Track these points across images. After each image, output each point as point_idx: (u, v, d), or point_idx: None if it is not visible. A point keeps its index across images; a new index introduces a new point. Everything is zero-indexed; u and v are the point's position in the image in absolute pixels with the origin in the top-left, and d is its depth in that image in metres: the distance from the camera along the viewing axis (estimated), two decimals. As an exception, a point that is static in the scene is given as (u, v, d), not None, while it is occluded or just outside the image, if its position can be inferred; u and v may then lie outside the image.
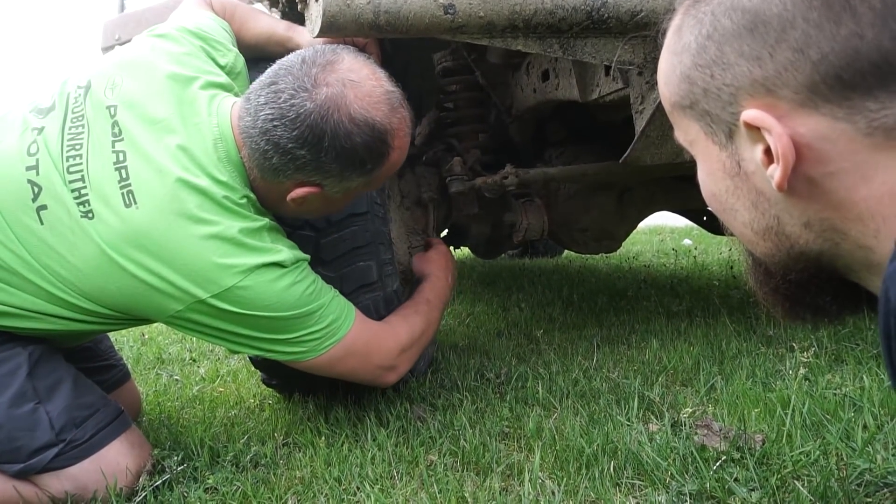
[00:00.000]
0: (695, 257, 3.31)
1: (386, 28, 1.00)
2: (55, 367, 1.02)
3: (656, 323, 1.86)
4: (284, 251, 1.01)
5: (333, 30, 1.00)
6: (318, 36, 1.02)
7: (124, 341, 2.16)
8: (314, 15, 1.02)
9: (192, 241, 0.95)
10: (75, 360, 1.20)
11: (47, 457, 0.95)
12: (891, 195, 0.47)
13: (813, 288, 0.57)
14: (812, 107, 0.48)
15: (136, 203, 0.95)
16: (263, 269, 0.98)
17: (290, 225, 1.15)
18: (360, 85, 0.98)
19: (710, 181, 0.59)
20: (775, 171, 0.50)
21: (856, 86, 0.46)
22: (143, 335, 2.22)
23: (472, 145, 1.69)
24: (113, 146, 0.99)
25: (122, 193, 0.95)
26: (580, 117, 1.80)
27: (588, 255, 3.52)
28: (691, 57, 0.54)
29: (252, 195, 1.03)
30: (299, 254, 1.05)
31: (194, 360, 1.91)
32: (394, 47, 1.69)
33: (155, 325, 1.63)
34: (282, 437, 1.20)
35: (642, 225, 5.08)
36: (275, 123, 0.96)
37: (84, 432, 0.98)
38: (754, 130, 0.50)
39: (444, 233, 1.92)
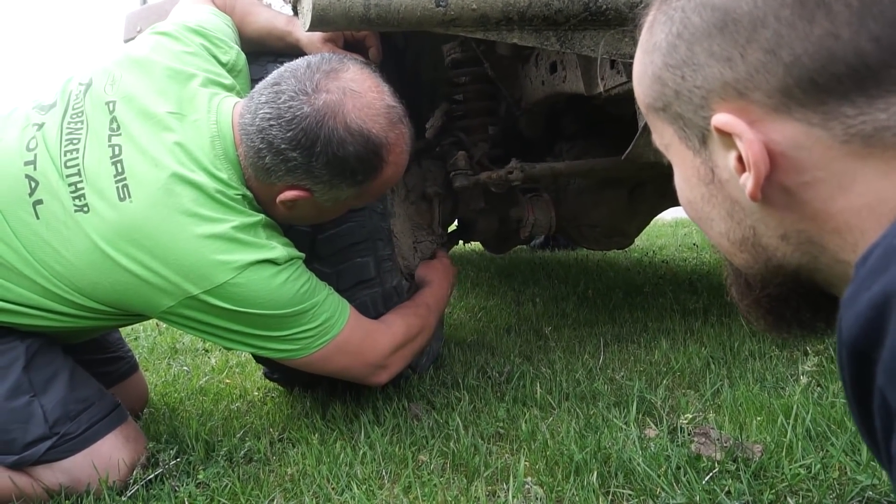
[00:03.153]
0: (718, 252, 3.22)
1: (377, 21, 0.98)
2: (52, 360, 1.03)
3: (670, 321, 1.81)
4: (279, 248, 1.01)
5: (324, 24, 0.98)
6: (309, 30, 1.01)
7: (140, 330, 2.19)
8: (305, 9, 1.00)
9: (184, 236, 0.95)
10: (82, 351, 1.22)
11: (40, 450, 0.97)
12: (869, 207, 0.43)
13: (793, 302, 0.53)
14: (786, 112, 0.44)
15: (130, 197, 0.95)
16: (257, 265, 0.98)
17: None
18: (361, 95, 0.97)
19: (686, 188, 0.55)
20: (748, 180, 0.46)
21: (831, 90, 0.42)
22: (159, 324, 2.25)
23: (480, 138, 1.66)
24: (110, 140, 1.00)
25: (118, 187, 0.96)
26: (594, 110, 1.76)
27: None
28: (662, 57, 0.51)
29: (248, 193, 1.02)
30: (294, 251, 1.04)
31: (207, 351, 1.93)
32: (405, 38, 1.67)
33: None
34: (278, 433, 1.20)
35: (667, 218, 4.96)
36: (271, 123, 0.96)
37: (78, 426, 1.00)
38: (726, 136, 0.47)
39: (453, 227, 1.90)
